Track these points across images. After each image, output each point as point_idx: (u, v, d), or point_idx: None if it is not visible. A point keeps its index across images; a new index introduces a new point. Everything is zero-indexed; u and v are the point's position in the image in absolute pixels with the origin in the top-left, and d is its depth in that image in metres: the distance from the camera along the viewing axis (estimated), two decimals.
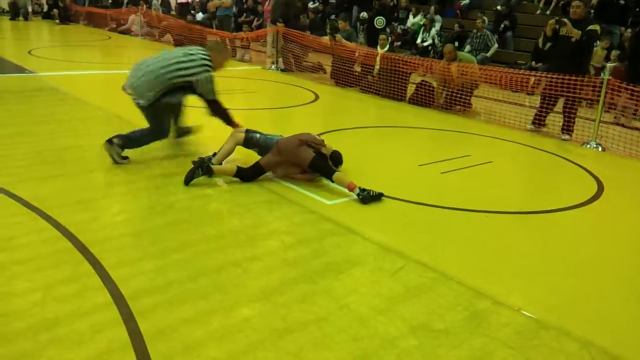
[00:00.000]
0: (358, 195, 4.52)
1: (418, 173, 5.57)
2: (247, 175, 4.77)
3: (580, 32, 7.16)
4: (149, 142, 5.26)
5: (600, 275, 3.65)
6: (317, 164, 4.72)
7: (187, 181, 4.56)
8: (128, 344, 2.59)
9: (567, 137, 7.46)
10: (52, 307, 2.84)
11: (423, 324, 2.91)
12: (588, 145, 7.18)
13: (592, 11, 11.86)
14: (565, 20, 7.27)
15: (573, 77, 7.17)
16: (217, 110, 5.23)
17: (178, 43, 15.42)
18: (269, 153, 4.84)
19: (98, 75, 10.35)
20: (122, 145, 5.03)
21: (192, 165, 4.71)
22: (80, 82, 9.35)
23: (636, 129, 8.04)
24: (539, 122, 7.85)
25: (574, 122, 7.51)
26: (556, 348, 2.79)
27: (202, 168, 4.58)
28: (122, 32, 18.19)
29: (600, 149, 7.09)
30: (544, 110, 7.79)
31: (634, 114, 8.75)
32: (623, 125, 8.30)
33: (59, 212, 3.96)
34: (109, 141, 4.98)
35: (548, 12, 14.44)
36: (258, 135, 5.10)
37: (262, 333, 2.75)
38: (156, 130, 5.20)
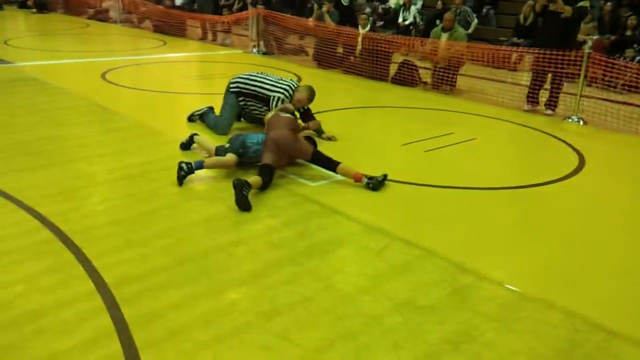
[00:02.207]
0: (367, 184, 4.43)
1: (401, 152, 5.58)
2: (269, 182, 4.35)
3: (570, 9, 7.09)
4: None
5: (582, 248, 3.70)
6: (319, 157, 4.61)
7: (245, 207, 3.97)
8: (113, 331, 2.58)
9: (549, 112, 7.49)
10: (36, 298, 2.82)
11: (408, 301, 2.94)
12: (570, 120, 7.22)
13: None
14: None
15: (560, 53, 7.13)
16: None
17: (157, 29, 15.22)
18: (267, 152, 4.49)
19: (78, 63, 10.19)
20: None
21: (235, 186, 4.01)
22: (59, 72, 9.20)
23: (617, 102, 8.09)
24: (532, 99, 7.77)
25: (557, 98, 7.53)
26: (540, 320, 2.83)
27: (245, 186, 4.00)
28: (101, 20, 17.88)
29: (581, 122, 7.14)
30: (536, 87, 7.73)
31: (615, 87, 8.80)
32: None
33: (40, 203, 3.92)
34: None
35: None
36: (251, 151, 4.69)
37: (248, 315, 2.76)
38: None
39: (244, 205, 3.95)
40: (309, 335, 2.63)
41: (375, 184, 4.43)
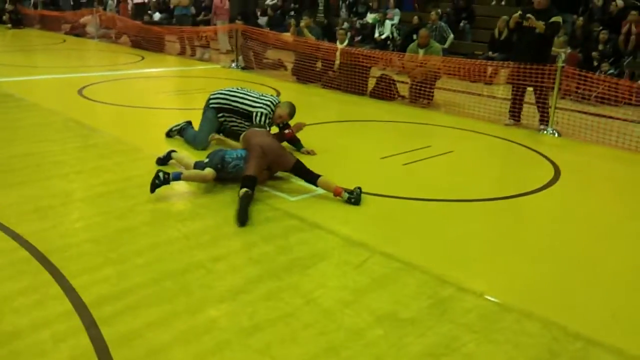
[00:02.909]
0: (349, 199, 4.42)
1: (380, 166, 5.61)
2: (252, 193, 4.29)
3: (543, 24, 7.17)
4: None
5: (559, 258, 3.75)
6: (301, 168, 4.64)
7: (244, 222, 3.99)
8: (91, 351, 2.54)
9: (542, 127, 7.42)
10: (11, 319, 2.77)
11: (389, 314, 2.94)
12: (544, 132, 7.34)
13: None
14: (529, 15, 7.22)
15: (538, 67, 7.20)
16: None
17: (135, 44, 15.18)
18: (252, 159, 4.48)
19: (54, 79, 10.10)
20: None
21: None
22: (35, 88, 9.10)
23: (590, 114, 8.27)
24: (514, 115, 7.76)
25: (547, 112, 7.45)
26: (518, 330, 2.86)
27: (246, 198, 4.11)
28: (78, 35, 17.76)
29: (556, 134, 7.27)
30: (517, 102, 7.75)
31: (588, 99, 9.00)
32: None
33: (15, 222, 3.86)
34: None
35: (503, 3, 14.72)
36: (230, 166, 4.66)
37: (229, 333, 2.74)
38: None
39: (243, 220, 3.97)
40: (291, 351, 2.62)
41: (357, 198, 4.45)
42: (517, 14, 7.45)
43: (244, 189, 4.14)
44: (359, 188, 4.52)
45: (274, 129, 5.76)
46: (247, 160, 4.55)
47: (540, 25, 7.17)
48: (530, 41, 7.41)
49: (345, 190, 4.47)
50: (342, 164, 5.58)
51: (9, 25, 19.61)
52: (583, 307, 3.14)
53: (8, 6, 20.00)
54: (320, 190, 4.65)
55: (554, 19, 7.24)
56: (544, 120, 7.48)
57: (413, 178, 5.27)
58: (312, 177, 4.58)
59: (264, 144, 4.60)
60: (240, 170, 4.65)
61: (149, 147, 5.74)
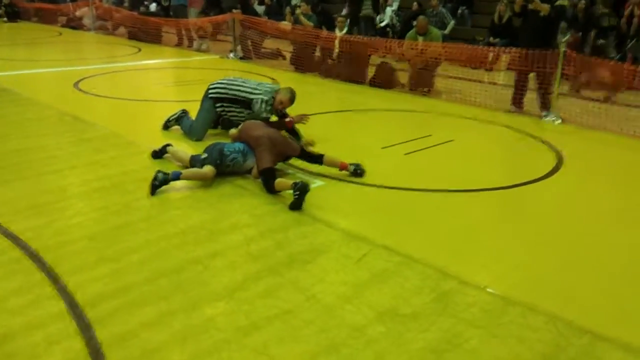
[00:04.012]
0: (355, 171, 4.76)
1: (382, 156, 5.53)
2: (273, 187, 4.33)
3: (548, 7, 7.04)
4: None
5: (563, 249, 3.68)
6: (306, 152, 4.84)
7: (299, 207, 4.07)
8: (85, 354, 2.48)
9: (545, 113, 7.32)
10: (4, 321, 2.71)
11: (390, 310, 2.88)
12: (547, 118, 7.24)
13: None
14: None
15: (536, 52, 7.07)
16: None
17: (132, 36, 15.03)
18: (263, 151, 4.45)
19: (50, 73, 10.00)
20: None
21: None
22: (31, 82, 9.00)
23: (593, 99, 8.15)
24: (517, 102, 7.67)
25: (549, 98, 7.33)
26: (523, 324, 2.79)
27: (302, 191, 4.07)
28: (74, 27, 17.60)
29: (559, 121, 7.16)
30: (520, 88, 7.62)
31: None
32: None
33: (9, 220, 3.79)
34: None
35: None
36: (228, 160, 4.59)
37: (226, 332, 2.67)
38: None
39: (299, 207, 4.07)
40: (290, 350, 2.56)
41: (362, 169, 4.73)
42: None
43: (303, 183, 4.09)
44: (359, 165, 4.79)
45: (274, 118, 5.67)
46: (257, 153, 4.52)
47: (544, 8, 7.03)
48: (535, 25, 7.27)
49: (351, 164, 4.75)
50: (343, 155, 5.45)
51: (5, 19, 19.45)
52: (589, 300, 3.07)
53: (4, 0, 19.84)
54: (319, 182, 4.59)
55: (559, 2, 7.08)
56: (546, 106, 7.36)
57: (415, 168, 5.19)
58: (317, 157, 4.79)
59: (270, 135, 4.62)
60: (237, 164, 4.58)
61: (146, 140, 5.64)
